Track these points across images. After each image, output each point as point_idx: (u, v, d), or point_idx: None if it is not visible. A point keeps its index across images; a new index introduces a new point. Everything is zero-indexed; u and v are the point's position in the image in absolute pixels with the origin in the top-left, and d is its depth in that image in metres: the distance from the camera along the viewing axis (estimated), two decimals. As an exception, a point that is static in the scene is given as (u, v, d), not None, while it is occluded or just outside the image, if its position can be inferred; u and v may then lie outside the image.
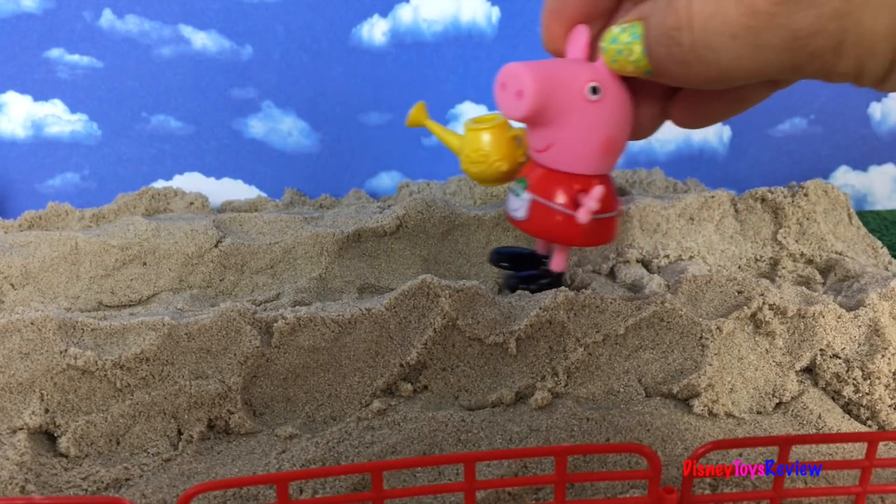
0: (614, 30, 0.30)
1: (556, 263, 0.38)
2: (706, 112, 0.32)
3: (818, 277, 0.48)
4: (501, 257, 0.40)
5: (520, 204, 0.36)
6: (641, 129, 0.34)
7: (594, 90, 0.32)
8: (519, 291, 0.41)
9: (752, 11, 0.23)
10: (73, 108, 0.57)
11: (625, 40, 0.29)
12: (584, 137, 0.33)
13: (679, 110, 0.32)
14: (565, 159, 0.34)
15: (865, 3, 0.21)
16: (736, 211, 0.51)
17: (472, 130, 0.39)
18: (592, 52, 0.33)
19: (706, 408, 0.35)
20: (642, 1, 0.31)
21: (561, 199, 0.35)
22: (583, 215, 0.34)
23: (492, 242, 0.46)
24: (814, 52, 0.22)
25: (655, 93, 0.33)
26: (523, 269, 0.37)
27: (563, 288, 0.39)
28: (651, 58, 0.28)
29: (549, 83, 0.31)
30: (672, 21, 0.26)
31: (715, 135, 0.64)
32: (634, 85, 0.32)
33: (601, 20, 0.33)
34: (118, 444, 0.33)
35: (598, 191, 0.34)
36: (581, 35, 0.33)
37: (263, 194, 0.60)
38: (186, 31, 0.56)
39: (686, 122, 0.32)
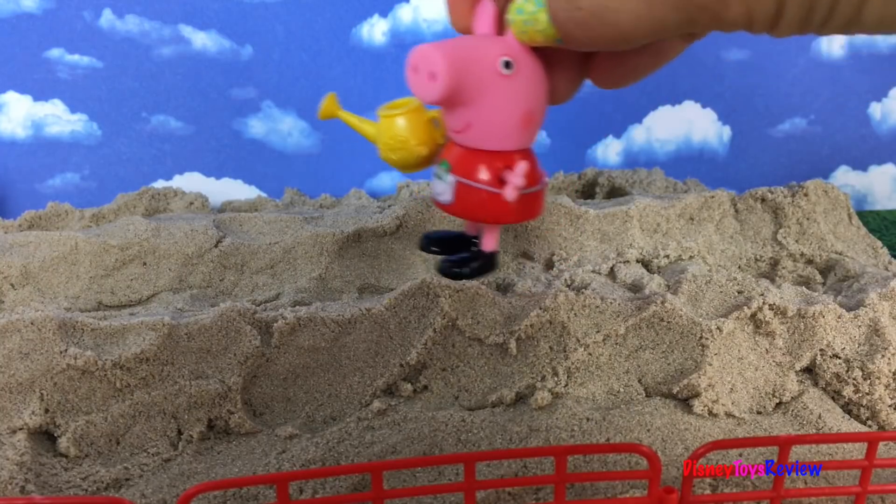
0: (518, 1, 0.30)
1: (487, 243, 0.38)
2: (625, 71, 0.31)
3: (818, 277, 0.48)
4: (432, 242, 0.39)
5: (444, 187, 0.36)
6: (559, 94, 0.34)
7: (507, 65, 0.32)
8: (518, 291, 0.41)
9: None
10: (73, 108, 0.57)
11: (530, 10, 0.29)
12: (503, 113, 0.33)
13: (598, 71, 0.32)
14: (485, 138, 0.34)
15: None
16: (736, 211, 0.51)
17: (387, 117, 0.38)
18: (501, 26, 0.33)
19: (706, 408, 0.35)
20: None
21: (486, 178, 0.34)
22: (510, 193, 0.34)
23: (492, 242, 0.46)
24: (701, 4, 0.23)
25: (570, 57, 0.33)
26: (455, 253, 0.37)
27: (564, 287, 0.39)
28: (556, 24, 0.28)
29: (462, 62, 0.31)
30: None
31: (715, 135, 0.64)
32: (548, 52, 0.32)
33: None
34: (118, 444, 0.33)
35: (522, 166, 0.34)
36: (487, 9, 0.32)
37: (263, 194, 0.60)
38: (186, 31, 0.56)
39: (607, 83, 0.32)
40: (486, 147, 0.34)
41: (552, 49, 0.31)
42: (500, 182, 0.34)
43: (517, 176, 0.34)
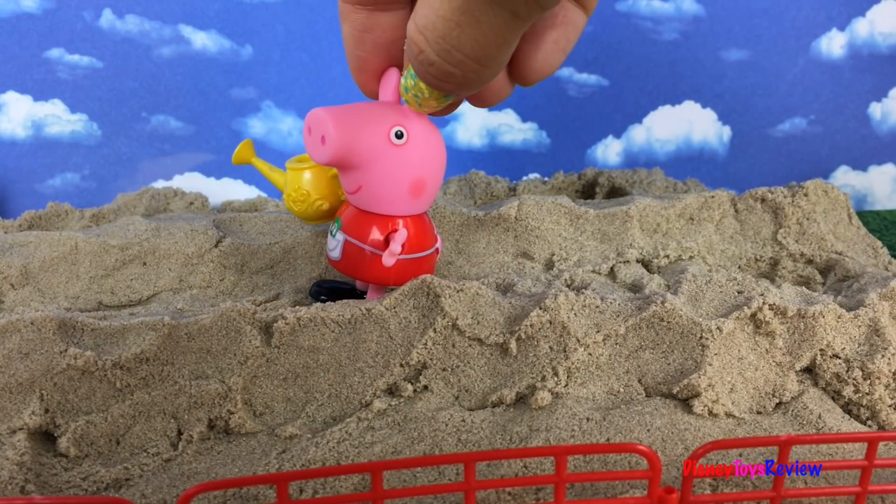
0: (402, 81, 0.31)
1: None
2: (546, 58, 0.30)
3: (818, 277, 0.48)
4: (322, 291, 0.40)
5: (335, 244, 0.36)
6: (494, 97, 0.33)
7: (399, 135, 0.33)
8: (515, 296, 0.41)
9: None
10: (73, 108, 0.57)
11: (412, 84, 0.30)
12: (392, 180, 0.34)
13: (520, 71, 0.30)
14: (375, 201, 0.34)
15: None
16: (736, 211, 0.51)
17: (294, 170, 0.39)
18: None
19: (706, 408, 0.35)
20: None
21: (370, 240, 0.35)
22: (387, 258, 0.34)
23: (492, 242, 0.46)
24: None
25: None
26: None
27: (564, 287, 0.39)
28: (430, 86, 0.29)
29: (353, 129, 0.32)
30: (415, 48, 0.27)
31: (715, 135, 0.64)
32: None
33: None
34: (118, 444, 0.33)
35: (401, 235, 0.35)
36: (392, 78, 0.33)
37: (263, 194, 0.60)
38: (186, 31, 0.56)
39: (534, 76, 0.30)
40: (375, 210, 0.35)
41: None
42: (386, 245, 0.35)
43: (395, 243, 0.34)
